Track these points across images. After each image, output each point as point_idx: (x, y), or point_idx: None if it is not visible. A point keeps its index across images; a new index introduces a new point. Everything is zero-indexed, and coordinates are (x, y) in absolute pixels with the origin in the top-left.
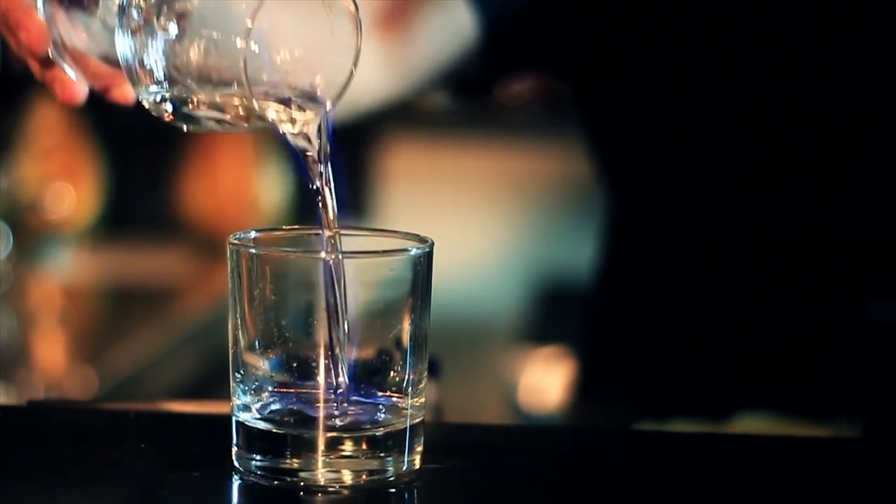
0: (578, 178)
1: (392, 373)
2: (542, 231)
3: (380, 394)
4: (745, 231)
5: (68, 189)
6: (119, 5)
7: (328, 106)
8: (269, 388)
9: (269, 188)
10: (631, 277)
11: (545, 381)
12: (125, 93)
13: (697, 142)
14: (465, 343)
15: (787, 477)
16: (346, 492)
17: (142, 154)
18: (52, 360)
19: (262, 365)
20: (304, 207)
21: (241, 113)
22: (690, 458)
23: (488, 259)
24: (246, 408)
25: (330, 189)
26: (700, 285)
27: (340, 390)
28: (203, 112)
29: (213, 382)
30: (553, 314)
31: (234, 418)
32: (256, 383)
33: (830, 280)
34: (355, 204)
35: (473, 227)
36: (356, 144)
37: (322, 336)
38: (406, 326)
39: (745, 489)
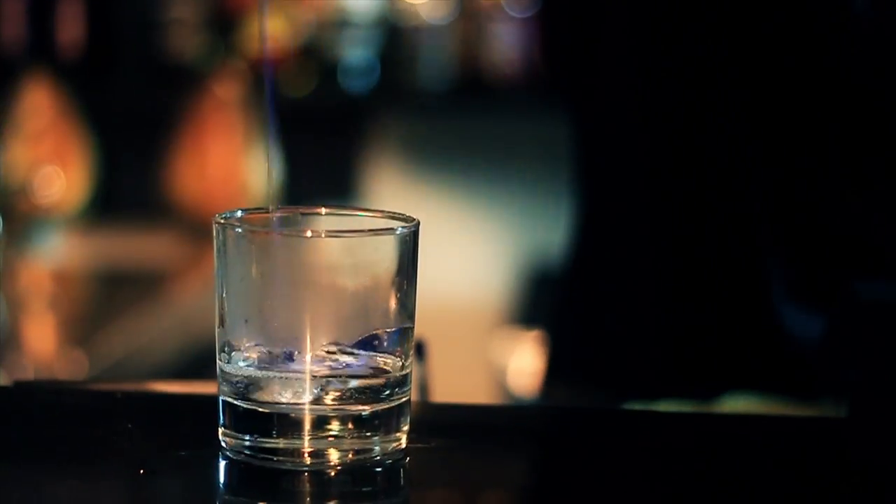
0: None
1: (378, 352)
2: (533, 214)
3: (366, 373)
4: (729, 212)
5: (58, 173)
6: None
7: None
8: (255, 368)
9: (258, 172)
10: (613, 259)
11: (534, 364)
12: None
13: (674, 125)
14: (456, 326)
15: (773, 456)
16: (332, 471)
17: (131, 138)
18: (42, 343)
19: (247, 344)
20: (293, 191)
21: None
22: (677, 438)
23: (479, 241)
24: (232, 387)
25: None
26: (684, 268)
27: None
28: None
29: (204, 365)
30: (544, 297)
31: (220, 398)
32: (242, 363)
33: (817, 259)
34: (343, 185)
35: (463, 209)
36: (344, 127)
37: (308, 318)
38: (392, 306)
39: (732, 469)
